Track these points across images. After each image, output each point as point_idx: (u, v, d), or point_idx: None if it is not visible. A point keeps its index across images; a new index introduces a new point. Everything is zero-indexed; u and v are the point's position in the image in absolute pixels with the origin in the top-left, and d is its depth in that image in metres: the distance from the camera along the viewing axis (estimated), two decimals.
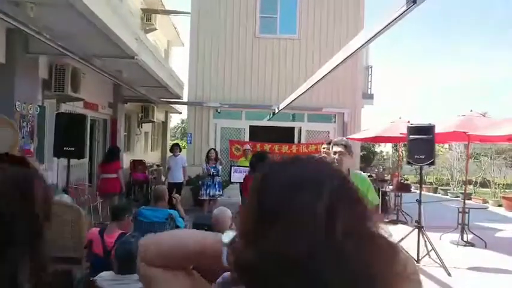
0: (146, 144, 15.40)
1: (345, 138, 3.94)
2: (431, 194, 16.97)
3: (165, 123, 18.35)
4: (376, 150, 21.32)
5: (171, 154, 9.07)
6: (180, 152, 9.10)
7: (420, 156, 6.04)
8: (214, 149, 8.67)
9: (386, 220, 9.69)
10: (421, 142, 6.04)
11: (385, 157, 20.22)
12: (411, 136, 6.16)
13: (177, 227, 4.34)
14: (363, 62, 13.77)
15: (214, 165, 8.18)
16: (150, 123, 15.37)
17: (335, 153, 3.49)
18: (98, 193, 7.89)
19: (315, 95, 11.45)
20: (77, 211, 3.86)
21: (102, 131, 10.38)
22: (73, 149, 5.35)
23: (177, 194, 4.63)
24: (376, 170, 19.85)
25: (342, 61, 4.46)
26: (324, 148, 5.18)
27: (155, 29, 14.00)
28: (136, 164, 11.43)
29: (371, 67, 14.40)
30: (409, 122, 8.02)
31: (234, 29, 11.37)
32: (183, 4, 12.41)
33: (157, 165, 15.95)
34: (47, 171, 6.78)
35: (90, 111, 9.09)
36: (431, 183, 18.32)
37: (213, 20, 11.27)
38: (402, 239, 6.33)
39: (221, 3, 11.31)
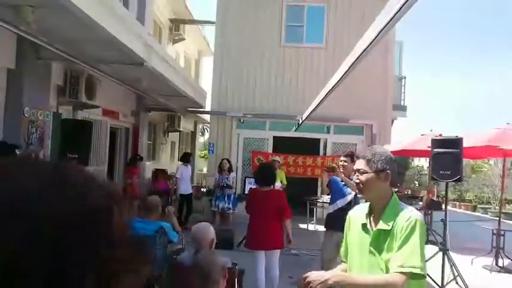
0: (173, 153, 15.38)
1: (375, 147, 2.33)
2: (469, 212, 15.94)
3: (194, 133, 18.33)
4: (413, 164, 20.38)
5: (181, 163, 8.79)
6: (190, 162, 8.88)
7: (446, 172, 5.52)
8: (228, 160, 8.37)
9: None
10: (447, 156, 5.52)
11: (421, 172, 19.24)
12: (435, 150, 5.65)
13: (170, 241, 4.09)
14: (396, 73, 13.21)
15: (226, 177, 7.90)
16: (178, 133, 15.35)
17: (355, 172, 2.14)
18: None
19: (342, 105, 10.99)
20: None
21: (124, 139, 10.38)
22: (76, 156, 5.24)
23: (170, 206, 4.37)
24: (412, 186, 18.99)
25: (357, 58, 4.06)
26: (341, 161, 4.85)
27: (183, 39, 14.04)
28: (159, 174, 11.34)
29: (404, 78, 13.80)
30: (440, 135, 7.45)
31: (259, 38, 11.16)
32: (213, 14, 12.46)
33: None
34: None
35: (110, 119, 9.09)
36: (470, 201, 17.24)
37: (237, 29, 11.13)
38: (426, 260, 5.78)
39: (246, 12, 11.17)
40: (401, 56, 14.18)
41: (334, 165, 4.91)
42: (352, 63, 3.93)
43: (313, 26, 11.34)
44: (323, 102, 7.08)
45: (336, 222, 4.76)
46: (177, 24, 13.43)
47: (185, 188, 8.59)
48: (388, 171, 2.02)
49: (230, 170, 8.11)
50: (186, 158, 8.96)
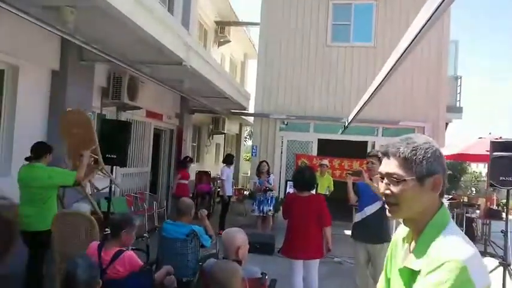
0: (217, 156, 15.41)
1: (414, 137, 1.47)
2: None
3: (239, 136, 18.32)
4: (469, 169, 19.16)
5: (224, 165, 8.70)
6: (233, 164, 8.78)
7: (507, 178, 4.98)
8: (267, 162, 8.13)
9: None
10: (508, 161, 4.98)
11: (478, 178, 18.02)
12: (495, 153, 5.12)
13: (202, 246, 3.93)
14: (451, 72, 12.44)
15: (267, 179, 7.68)
16: (222, 135, 15.37)
17: (381, 177, 1.45)
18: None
19: (392, 107, 10.49)
20: (90, 221, 3.63)
21: (168, 141, 10.46)
22: (115, 156, 5.22)
23: (204, 209, 4.21)
24: (469, 193, 17.81)
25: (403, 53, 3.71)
26: (367, 163, 4.46)
27: (229, 41, 14.05)
28: (202, 175, 11.36)
29: (460, 78, 12.96)
30: (500, 137, 6.82)
31: (304, 38, 10.88)
32: (258, 15, 12.31)
33: None
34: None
35: (154, 120, 9.18)
36: None
37: (282, 29, 10.91)
38: None
39: (291, 11, 10.92)
40: (457, 55, 13.39)
41: (360, 168, 4.44)
42: (401, 55, 3.58)
43: (361, 24, 10.88)
44: (369, 102, 6.66)
45: (363, 232, 4.37)
46: (222, 26, 13.45)
47: (227, 189, 8.51)
48: (438, 174, 1.29)
49: (269, 172, 7.88)
50: (229, 160, 8.85)
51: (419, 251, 1.27)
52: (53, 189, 4.13)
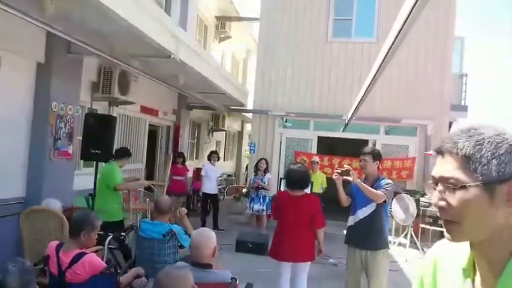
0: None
1: (479, 127, 1.10)
2: None
3: (240, 133, 18.13)
4: None
5: (208, 162, 8.49)
6: (218, 160, 8.53)
7: None
8: (266, 160, 7.92)
9: None
10: None
11: None
12: None
13: (181, 246, 3.74)
14: (456, 70, 12.13)
15: (261, 178, 7.48)
16: (223, 132, 15.19)
17: (435, 183, 1.49)
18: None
19: (394, 104, 10.23)
20: (61, 220, 3.46)
21: (165, 137, 10.30)
22: (99, 151, 5.06)
23: (183, 208, 4.02)
24: None
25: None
26: (361, 161, 4.18)
27: (229, 37, 13.83)
28: (199, 172, 11.17)
29: (466, 75, 12.65)
30: None
31: (305, 33, 10.64)
32: (259, 11, 12.03)
33: (229, 175, 15.72)
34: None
35: (149, 116, 9.02)
36: None
37: (282, 24, 10.69)
38: None
39: (291, 6, 10.69)
40: (463, 52, 13.06)
41: (348, 167, 4.04)
42: (390, 47, 3.36)
43: (363, 19, 10.62)
44: (366, 98, 6.44)
45: (356, 237, 4.07)
46: (223, 21, 13.23)
47: (209, 187, 8.25)
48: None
49: (266, 170, 7.68)
50: (211, 157, 8.61)
51: None
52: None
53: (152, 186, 5.92)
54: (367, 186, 3.81)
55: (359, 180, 3.85)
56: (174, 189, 8.50)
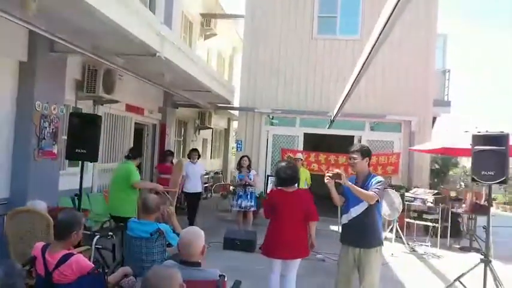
0: (205, 151, 15.19)
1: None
2: None
3: (227, 131, 18.13)
4: (460, 164, 19.12)
5: (189, 160, 8.41)
6: (198, 158, 8.41)
7: (488, 173, 4.84)
8: (248, 157, 7.93)
9: (458, 246, 8.29)
10: (490, 155, 4.84)
11: (467, 173, 17.97)
12: (477, 147, 4.98)
13: (169, 244, 3.74)
14: (439, 66, 12.32)
15: (247, 174, 7.51)
16: (210, 130, 15.17)
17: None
18: None
19: (378, 101, 10.35)
20: (47, 220, 3.43)
21: (151, 135, 10.25)
22: (85, 151, 5.03)
23: (170, 207, 4.02)
24: (457, 187, 17.76)
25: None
26: (351, 158, 4.20)
27: (215, 34, 13.80)
28: None
29: (448, 71, 12.84)
30: (486, 132, 6.68)
31: (290, 30, 10.69)
32: (243, 8, 11.98)
33: (216, 173, 15.72)
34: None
35: (135, 114, 8.97)
36: None
37: (267, 21, 10.71)
38: (463, 274, 5.13)
39: (276, 3, 10.72)
40: (445, 49, 13.25)
41: (338, 170, 4.04)
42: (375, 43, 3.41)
43: (347, 17, 10.71)
44: (351, 95, 6.49)
45: (349, 235, 4.08)
46: (208, 19, 13.19)
47: (188, 186, 8.13)
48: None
49: (249, 167, 7.69)
50: (190, 155, 8.43)
51: None
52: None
53: (166, 193, 6.06)
54: (359, 189, 3.78)
55: (350, 183, 3.83)
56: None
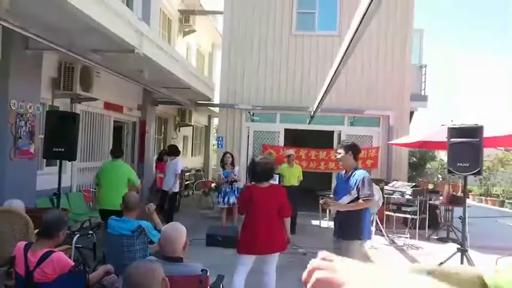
0: (186, 148, 15.11)
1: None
2: (496, 208, 15.10)
3: (208, 128, 18.05)
4: (437, 158, 19.53)
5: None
6: (175, 155, 8.29)
7: (464, 164, 4.98)
8: (230, 153, 7.93)
9: (435, 237, 8.49)
10: (465, 147, 4.97)
11: (444, 165, 18.39)
12: (452, 139, 5.11)
13: (151, 241, 3.73)
14: (415, 61, 12.53)
15: (231, 171, 7.52)
16: (191, 127, 15.08)
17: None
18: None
19: (357, 96, 10.49)
20: (26, 220, 3.37)
21: (131, 133, 10.14)
22: (63, 149, 4.94)
23: (151, 203, 3.99)
24: (435, 180, 18.18)
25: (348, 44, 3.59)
26: (338, 154, 4.32)
27: (194, 31, 13.71)
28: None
29: (425, 66, 13.06)
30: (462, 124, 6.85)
31: (269, 26, 10.71)
32: (222, 4, 11.86)
33: (197, 170, 15.65)
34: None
35: (114, 112, 8.85)
36: (498, 196, 16.35)
37: (246, 18, 10.70)
38: (442, 263, 5.27)
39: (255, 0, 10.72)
40: (422, 44, 13.49)
41: (321, 202, 4.34)
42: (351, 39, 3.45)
43: (325, 13, 10.80)
44: (330, 90, 6.56)
45: (336, 227, 4.19)
46: (187, 15, 13.09)
47: (166, 184, 7.98)
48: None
49: (233, 163, 7.70)
50: (170, 151, 8.23)
51: None
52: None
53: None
54: (352, 204, 3.96)
55: (338, 203, 4.06)
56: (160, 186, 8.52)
